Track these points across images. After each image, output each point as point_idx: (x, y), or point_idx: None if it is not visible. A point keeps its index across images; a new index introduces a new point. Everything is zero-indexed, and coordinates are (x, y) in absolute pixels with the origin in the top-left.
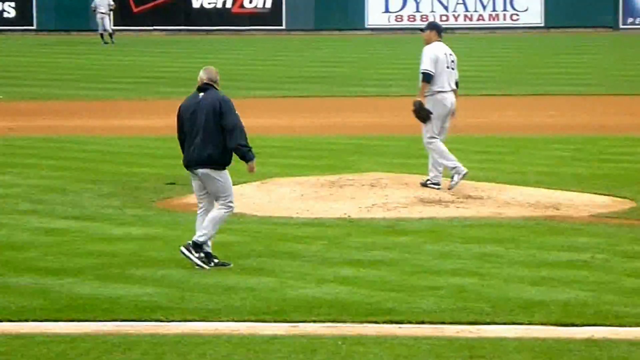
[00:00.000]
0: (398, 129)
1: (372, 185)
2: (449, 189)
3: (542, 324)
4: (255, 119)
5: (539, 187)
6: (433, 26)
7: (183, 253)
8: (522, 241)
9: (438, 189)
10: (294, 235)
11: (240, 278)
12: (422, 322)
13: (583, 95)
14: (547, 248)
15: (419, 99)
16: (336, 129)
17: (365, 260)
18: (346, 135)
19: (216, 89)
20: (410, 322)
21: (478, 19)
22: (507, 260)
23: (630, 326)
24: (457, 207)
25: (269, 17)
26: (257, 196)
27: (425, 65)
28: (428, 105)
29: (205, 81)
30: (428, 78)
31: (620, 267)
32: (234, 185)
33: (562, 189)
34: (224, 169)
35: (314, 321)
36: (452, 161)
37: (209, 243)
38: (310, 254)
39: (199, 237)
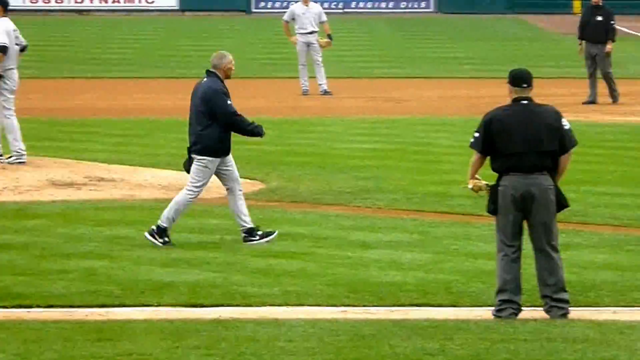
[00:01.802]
0: (28, 111)
1: (3, 168)
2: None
3: (171, 305)
4: None
5: (171, 169)
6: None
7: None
8: (153, 223)
9: (22, 162)
10: None
11: None
12: (51, 306)
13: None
14: (177, 230)
15: None
16: None
17: None
18: None
19: (217, 75)
20: (39, 306)
21: (114, 1)
22: (139, 242)
23: (256, 306)
24: (90, 190)
25: None
26: None
27: (2, 38)
28: (1, 82)
29: (210, 67)
30: (4, 50)
31: (248, 248)
32: None
33: None
34: (206, 154)
35: None
36: (20, 143)
37: (246, 219)
38: None
39: (160, 222)
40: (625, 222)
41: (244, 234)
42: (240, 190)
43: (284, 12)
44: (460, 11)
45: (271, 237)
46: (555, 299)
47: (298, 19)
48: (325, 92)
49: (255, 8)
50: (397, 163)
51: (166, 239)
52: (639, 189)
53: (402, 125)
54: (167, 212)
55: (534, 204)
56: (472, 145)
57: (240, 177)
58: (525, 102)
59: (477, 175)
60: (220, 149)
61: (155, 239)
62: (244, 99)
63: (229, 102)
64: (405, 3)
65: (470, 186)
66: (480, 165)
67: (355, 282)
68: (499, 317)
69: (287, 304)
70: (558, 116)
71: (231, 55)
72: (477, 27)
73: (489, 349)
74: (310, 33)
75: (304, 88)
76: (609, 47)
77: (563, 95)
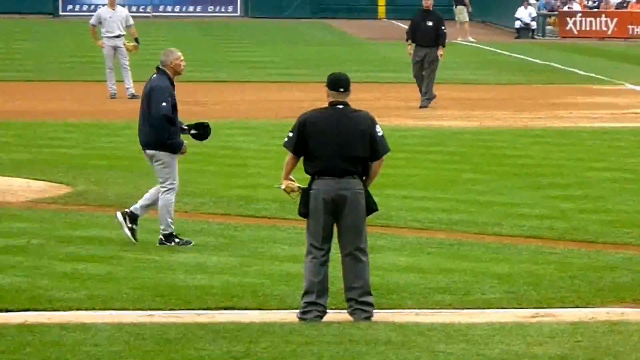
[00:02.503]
0: None
1: None
2: None
3: None
4: None
5: None
6: None
7: (117, 218)
8: None
9: None
10: None
11: None
12: None
13: (18, 82)
14: None
15: None
16: None
17: None
18: None
19: (165, 72)
20: None
21: None
22: None
23: (62, 310)
24: None
25: None
26: None
27: None
28: None
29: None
30: None
31: (55, 252)
32: None
33: (0, 175)
34: (161, 150)
35: None
36: None
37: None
38: None
39: (163, 230)
40: (426, 225)
41: (130, 210)
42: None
43: (92, 15)
44: (267, 15)
45: (128, 234)
46: (360, 302)
47: (105, 23)
48: (133, 96)
49: (63, 11)
50: (204, 167)
51: (178, 239)
52: (440, 192)
53: None
54: (162, 220)
55: (344, 208)
56: (285, 145)
57: (47, 181)
58: (341, 106)
59: (291, 177)
60: (172, 144)
61: (171, 243)
62: (50, 102)
63: (163, 104)
64: (212, 7)
65: (282, 187)
66: (293, 165)
67: (162, 286)
68: (304, 319)
69: (93, 308)
70: (372, 123)
71: (179, 52)
72: (284, 32)
73: (294, 351)
74: (117, 37)
75: (111, 92)
76: (440, 52)
77: (368, 99)
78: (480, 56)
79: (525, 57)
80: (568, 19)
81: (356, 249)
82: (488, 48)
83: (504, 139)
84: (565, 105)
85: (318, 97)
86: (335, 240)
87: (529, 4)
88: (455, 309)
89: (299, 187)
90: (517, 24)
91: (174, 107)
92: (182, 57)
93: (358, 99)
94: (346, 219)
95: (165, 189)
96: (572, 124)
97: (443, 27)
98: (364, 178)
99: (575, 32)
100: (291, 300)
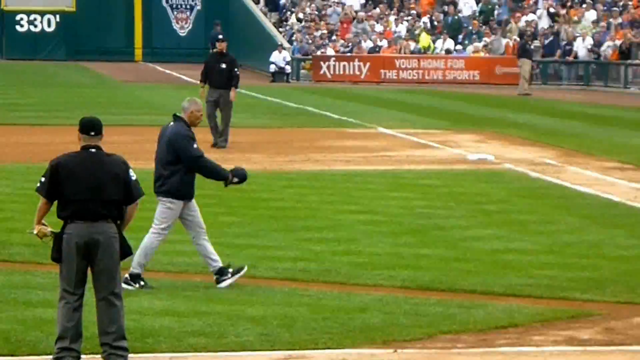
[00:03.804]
0: None
1: None
2: None
3: None
4: None
5: None
6: None
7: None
8: None
9: None
10: None
11: None
12: None
13: None
14: None
15: None
16: None
17: None
18: None
19: (183, 120)
20: None
21: None
22: None
23: None
24: None
25: None
26: None
27: None
28: None
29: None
30: None
31: None
32: None
33: None
34: (170, 197)
35: None
36: None
37: (215, 258)
38: None
39: (132, 269)
40: (183, 268)
41: (215, 275)
42: (205, 233)
43: None
44: (22, 57)
45: (242, 272)
46: (114, 346)
47: None
48: None
49: None
50: None
51: (141, 282)
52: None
53: None
54: (137, 258)
55: (98, 252)
56: (38, 190)
57: None
58: (93, 150)
59: (43, 221)
60: (184, 192)
61: (131, 285)
62: None
63: (195, 145)
64: None
65: (35, 232)
66: (46, 210)
67: None
68: None
69: None
70: (125, 166)
71: (201, 105)
72: (39, 74)
73: None
74: None
75: None
76: (232, 94)
77: (125, 142)
78: (237, 99)
79: (280, 101)
80: (322, 63)
81: (110, 293)
82: (244, 91)
83: (259, 182)
84: (318, 148)
85: (73, 141)
86: (89, 284)
87: (284, 48)
88: (209, 351)
89: (51, 231)
90: (272, 67)
91: None
92: (201, 111)
93: (113, 141)
94: (100, 263)
95: (157, 232)
96: (325, 167)
97: (236, 70)
98: (118, 222)
99: (329, 76)
100: (44, 346)
